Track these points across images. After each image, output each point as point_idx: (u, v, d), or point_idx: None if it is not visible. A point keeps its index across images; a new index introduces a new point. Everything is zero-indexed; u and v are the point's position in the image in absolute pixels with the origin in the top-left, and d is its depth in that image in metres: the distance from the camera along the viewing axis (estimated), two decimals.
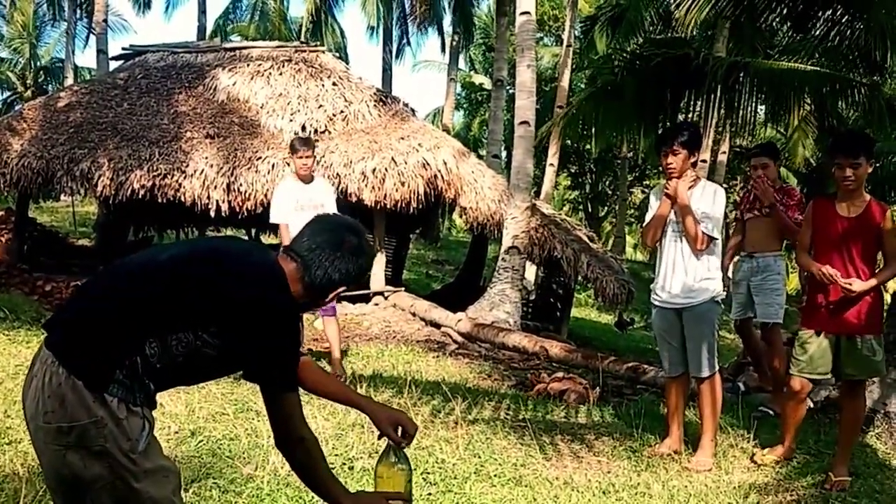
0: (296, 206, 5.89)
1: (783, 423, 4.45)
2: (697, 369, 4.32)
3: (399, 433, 2.21)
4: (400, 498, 2.13)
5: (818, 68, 7.83)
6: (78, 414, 1.74)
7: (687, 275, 4.28)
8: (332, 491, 2.05)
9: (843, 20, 7.41)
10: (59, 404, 1.75)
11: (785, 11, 7.69)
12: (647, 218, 4.52)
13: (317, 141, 9.46)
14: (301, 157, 6.02)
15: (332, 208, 5.76)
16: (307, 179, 6.10)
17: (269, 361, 1.91)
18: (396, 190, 9.82)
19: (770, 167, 5.63)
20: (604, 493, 3.62)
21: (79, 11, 27.21)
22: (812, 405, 5.36)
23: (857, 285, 3.91)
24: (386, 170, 9.90)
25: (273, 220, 6.14)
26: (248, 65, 12.03)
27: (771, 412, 5.46)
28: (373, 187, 9.84)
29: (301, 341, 2.05)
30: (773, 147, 6.04)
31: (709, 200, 4.26)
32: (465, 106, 31.86)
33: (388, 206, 9.95)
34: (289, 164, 9.79)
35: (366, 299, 10.24)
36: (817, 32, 7.79)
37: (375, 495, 2.16)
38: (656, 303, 4.46)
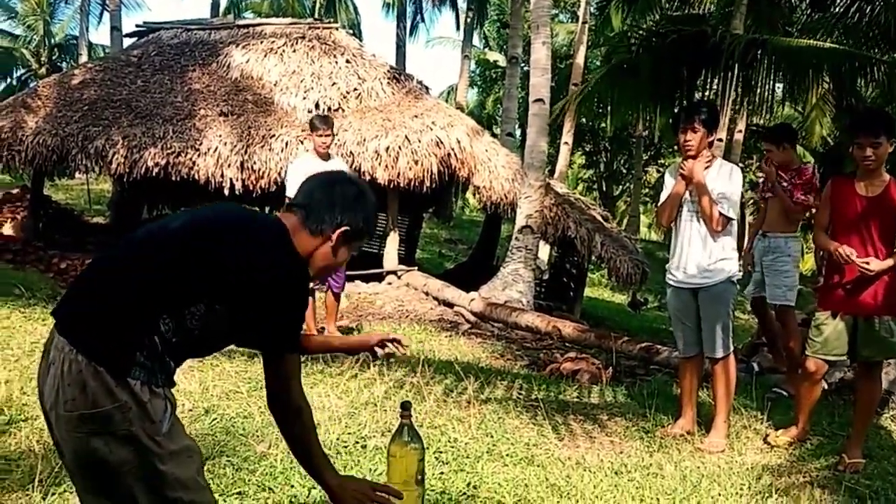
0: None
1: (797, 405, 4.43)
2: (712, 350, 4.31)
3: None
4: (388, 491, 2.06)
5: (837, 46, 7.73)
6: (101, 400, 1.71)
7: (703, 255, 4.25)
8: (321, 466, 2.03)
9: None
10: (80, 391, 1.72)
11: None
12: (663, 197, 4.49)
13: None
14: (320, 136, 6.17)
15: None
16: (325, 157, 6.19)
17: (276, 321, 1.90)
18: (410, 168, 9.79)
19: (771, 152, 5.64)
20: (616, 473, 3.62)
21: None
22: (826, 387, 5.33)
23: (875, 265, 3.86)
24: (399, 148, 9.87)
25: (290, 194, 6.16)
26: (261, 42, 12.00)
27: (785, 393, 5.44)
28: (386, 166, 9.82)
29: (307, 304, 2.03)
30: (776, 133, 5.91)
31: (725, 180, 4.22)
32: (479, 83, 31.68)
33: (402, 185, 9.93)
34: (302, 142, 9.81)
35: (379, 278, 10.26)
36: (836, 9, 7.69)
37: (363, 483, 2.12)
38: (671, 282, 4.44)
